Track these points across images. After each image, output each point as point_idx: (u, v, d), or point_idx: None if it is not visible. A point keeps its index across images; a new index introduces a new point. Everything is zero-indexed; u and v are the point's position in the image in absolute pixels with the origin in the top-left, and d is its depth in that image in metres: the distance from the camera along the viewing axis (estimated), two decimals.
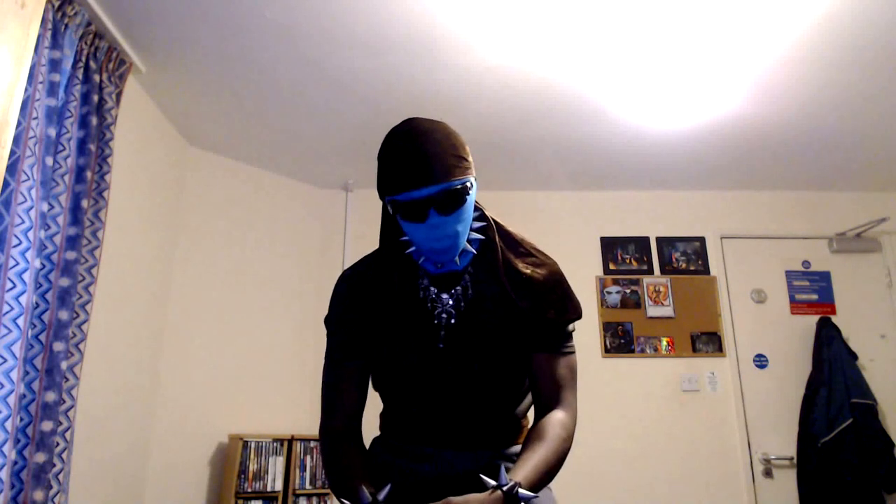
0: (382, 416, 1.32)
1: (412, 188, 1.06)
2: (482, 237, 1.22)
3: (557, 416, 1.16)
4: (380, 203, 1.19)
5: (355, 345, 1.22)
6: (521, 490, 0.97)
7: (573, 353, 1.23)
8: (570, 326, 1.24)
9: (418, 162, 1.06)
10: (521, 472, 1.02)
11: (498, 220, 1.25)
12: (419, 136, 1.09)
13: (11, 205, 1.82)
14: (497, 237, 1.22)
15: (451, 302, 1.20)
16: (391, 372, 1.22)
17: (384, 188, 1.12)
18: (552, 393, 1.19)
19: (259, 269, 3.57)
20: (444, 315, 1.19)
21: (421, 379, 1.19)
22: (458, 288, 1.20)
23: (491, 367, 1.18)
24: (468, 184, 1.11)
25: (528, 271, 1.20)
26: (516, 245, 1.24)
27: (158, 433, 3.02)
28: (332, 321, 1.27)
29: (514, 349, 1.19)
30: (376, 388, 1.28)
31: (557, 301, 1.20)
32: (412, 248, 1.21)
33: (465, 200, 1.10)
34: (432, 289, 1.21)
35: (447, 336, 1.18)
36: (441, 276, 1.21)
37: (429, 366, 1.19)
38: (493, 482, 0.98)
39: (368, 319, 1.20)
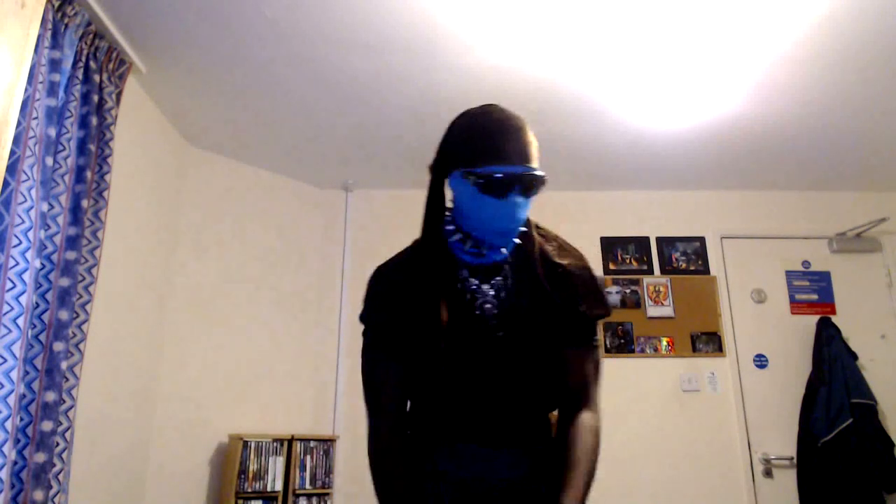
0: (417, 412, 1.26)
1: (507, 162, 1.08)
2: (523, 229, 1.22)
3: (588, 423, 1.20)
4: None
5: (394, 342, 1.20)
6: None
7: (599, 346, 1.25)
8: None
9: (518, 140, 1.10)
10: (572, 492, 1.10)
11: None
12: (515, 119, 1.12)
13: (11, 205, 1.82)
14: (535, 230, 1.23)
15: (492, 292, 1.19)
16: (434, 364, 1.20)
17: (470, 159, 1.10)
18: (580, 388, 1.22)
19: (259, 268, 3.56)
20: (486, 305, 1.18)
21: (466, 369, 1.18)
22: (499, 278, 1.20)
23: (533, 355, 1.19)
24: (545, 176, 1.12)
25: (565, 262, 1.21)
26: (550, 239, 1.25)
27: (158, 433, 3.02)
28: (370, 319, 1.23)
29: (549, 339, 1.19)
30: (417, 383, 1.25)
31: (590, 295, 1.21)
32: (455, 237, 1.20)
33: (539, 190, 1.12)
34: (472, 280, 1.20)
35: (491, 325, 1.18)
36: (480, 268, 1.20)
37: (474, 356, 1.18)
38: None
39: (407, 314, 1.18)
